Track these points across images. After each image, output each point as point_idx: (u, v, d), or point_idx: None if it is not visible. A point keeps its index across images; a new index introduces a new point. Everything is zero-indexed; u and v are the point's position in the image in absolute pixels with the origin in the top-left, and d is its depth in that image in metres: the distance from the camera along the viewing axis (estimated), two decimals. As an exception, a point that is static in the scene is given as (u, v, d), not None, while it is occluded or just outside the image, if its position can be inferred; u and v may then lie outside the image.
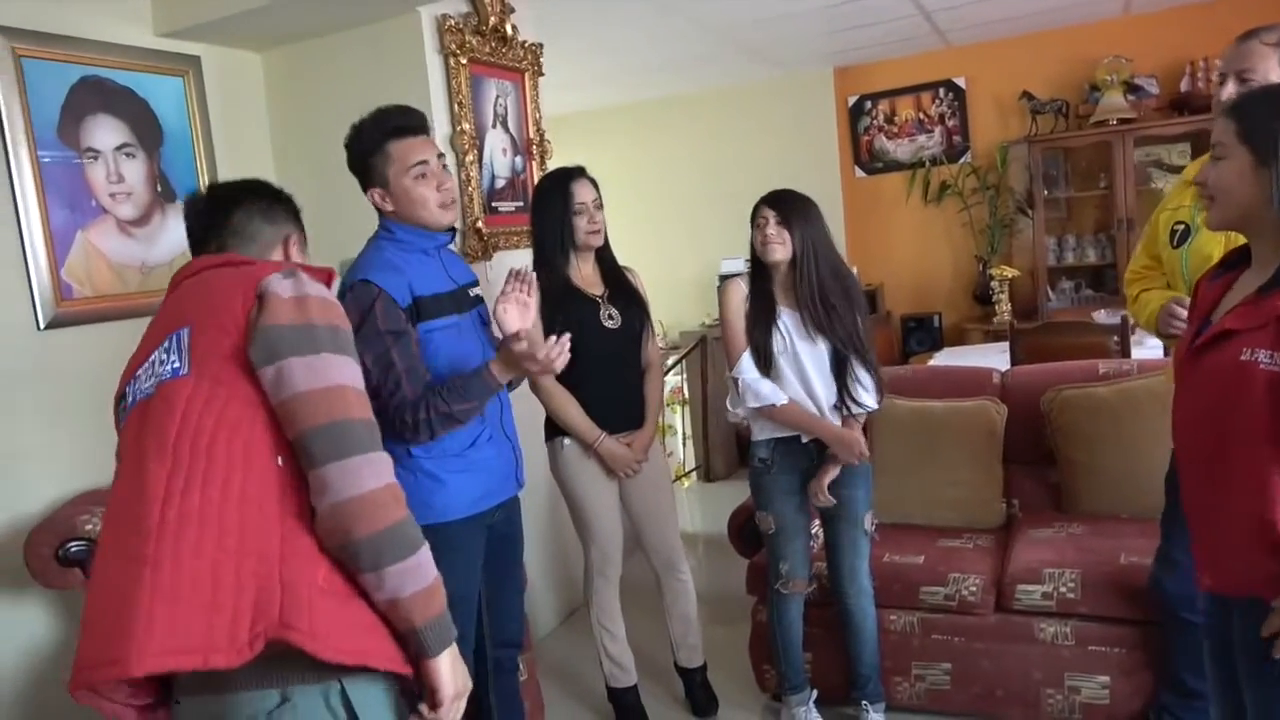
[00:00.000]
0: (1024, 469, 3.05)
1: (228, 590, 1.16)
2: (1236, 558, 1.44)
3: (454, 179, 2.25)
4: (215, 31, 3.06)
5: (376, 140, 2.03)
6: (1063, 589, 2.49)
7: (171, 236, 3.01)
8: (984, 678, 2.58)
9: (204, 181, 3.12)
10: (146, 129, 2.96)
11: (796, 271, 2.44)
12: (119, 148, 2.87)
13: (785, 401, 2.45)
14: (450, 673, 1.29)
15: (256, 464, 1.22)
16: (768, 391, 2.45)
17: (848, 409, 2.48)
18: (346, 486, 1.20)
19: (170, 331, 1.31)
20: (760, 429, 2.54)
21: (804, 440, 2.50)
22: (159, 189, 2.98)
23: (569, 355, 1.98)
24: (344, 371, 1.27)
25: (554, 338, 1.95)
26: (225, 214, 1.51)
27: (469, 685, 1.34)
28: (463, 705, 1.33)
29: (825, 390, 2.47)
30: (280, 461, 1.24)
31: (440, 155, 2.09)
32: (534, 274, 1.99)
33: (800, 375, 2.47)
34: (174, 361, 1.27)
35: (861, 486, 2.53)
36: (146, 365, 1.33)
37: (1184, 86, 5.15)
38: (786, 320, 2.47)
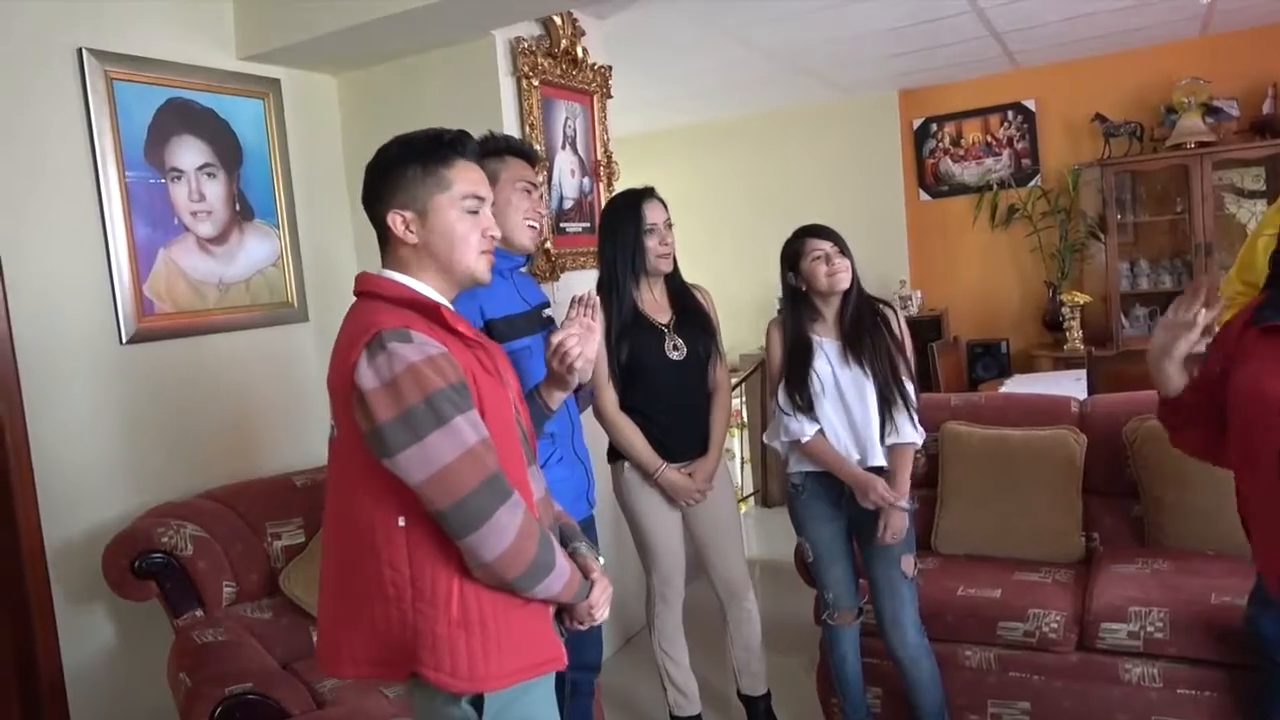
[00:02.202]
0: (1104, 501, 2.95)
1: (380, 628, 1.39)
2: None
3: (545, 210, 2.33)
4: (294, 55, 3.13)
5: (501, 147, 2.14)
6: (1150, 628, 2.39)
7: (249, 254, 3.08)
8: (1065, 718, 2.48)
9: (281, 201, 3.19)
10: (227, 149, 3.03)
11: (845, 301, 2.44)
12: (201, 167, 2.94)
13: (810, 437, 2.44)
14: (600, 600, 1.54)
15: (381, 527, 1.38)
16: (795, 426, 2.45)
17: (884, 440, 2.43)
18: (486, 551, 1.34)
19: (328, 384, 1.46)
20: (795, 460, 2.53)
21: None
22: (237, 208, 3.05)
23: (592, 353, 1.84)
24: (451, 445, 1.33)
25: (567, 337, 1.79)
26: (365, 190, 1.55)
27: (610, 594, 1.57)
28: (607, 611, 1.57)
29: (870, 420, 2.42)
30: (403, 522, 1.37)
31: (542, 184, 2.17)
32: (597, 298, 1.96)
33: (843, 406, 2.44)
34: (331, 420, 1.47)
35: None
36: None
37: (1266, 109, 4.99)
38: (829, 351, 2.45)
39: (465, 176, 1.49)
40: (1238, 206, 5.28)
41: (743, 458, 5.48)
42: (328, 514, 1.50)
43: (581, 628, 1.55)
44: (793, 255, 2.47)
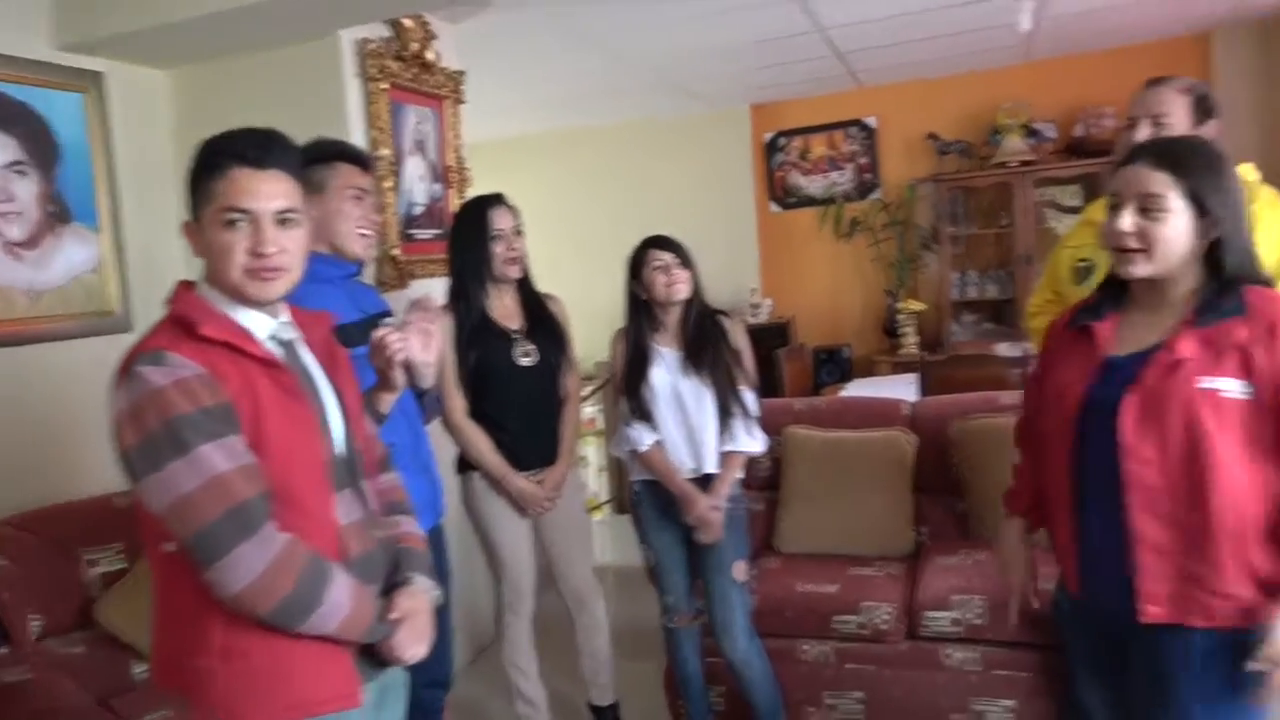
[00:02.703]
0: (932, 497, 3.13)
1: (168, 649, 1.39)
2: (1204, 588, 1.48)
3: (380, 218, 2.29)
4: (120, 46, 2.95)
5: (331, 153, 2.09)
6: (970, 615, 2.56)
7: (66, 259, 2.88)
8: (895, 705, 2.62)
9: (103, 204, 3.00)
10: (41, 146, 2.82)
11: (687, 311, 2.51)
12: (8, 165, 2.72)
13: (648, 446, 2.51)
14: (404, 643, 1.45)
15: (154, 549, 1.37)
16: (634, 435, 2.52)
17: (724, 447, 2.52)
18: (228, 585, 1.29)
19: None
20: (635, 469, 2.60)
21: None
22: (51, 209, 2.84)
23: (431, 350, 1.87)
24: (190, 474, 1.27)
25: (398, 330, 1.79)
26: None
27: (428, 637, 1.48)
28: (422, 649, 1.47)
29: (707, 429, 2.50)
30: (170, 547, 1.33)
31: (374, 195, 2.15)
32: (436, 302, 1.94)
33: (681, 415, 2.51)
34: None
35: (730, 533, 2.51)
36: None
37: (1078, 131, 5.43)
38: (669, 360, 2.51)
39: (234, 189, 1.37)
40: (1058, 221, 5.70)
41: (598, 465, 5.52)
42: (149, 533, 1.45)
43: (394, 666, 1.48)
44: (636, 264, 2.53)
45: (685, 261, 2.51)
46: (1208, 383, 1.46)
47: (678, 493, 2.49)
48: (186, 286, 1.43)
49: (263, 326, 1.43)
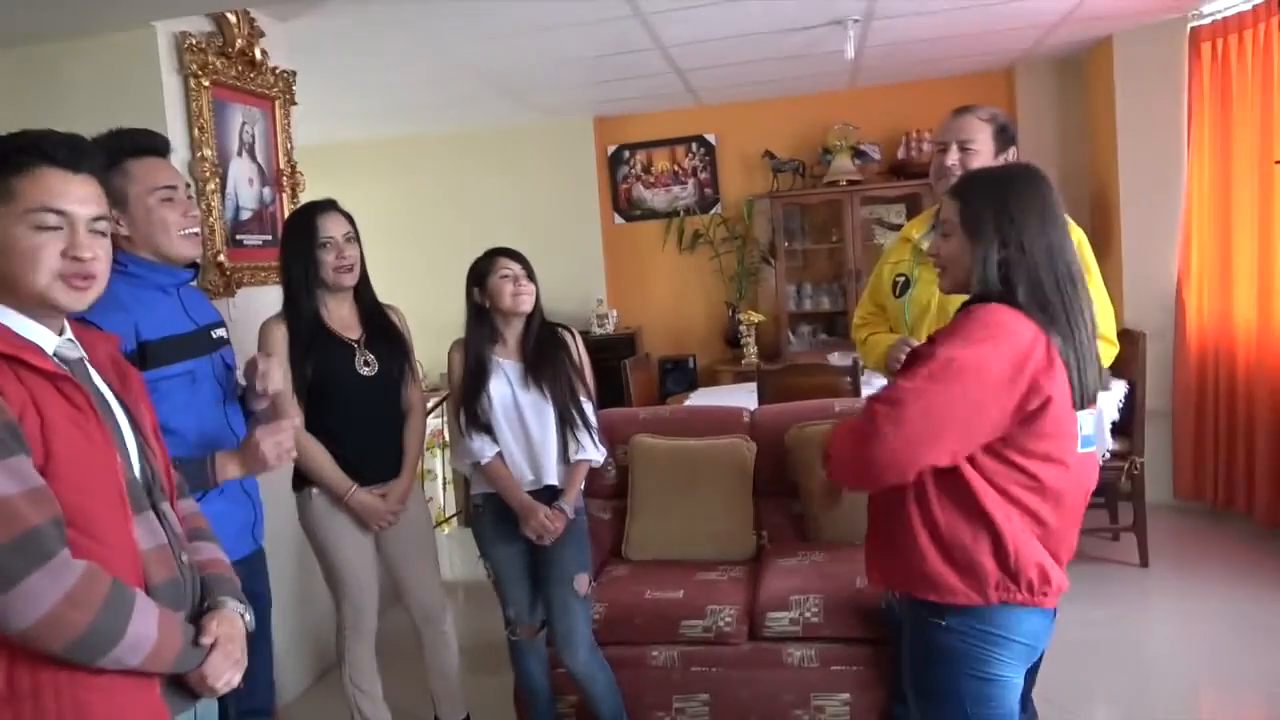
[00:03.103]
0: (772, 501, 3.24)
1: None
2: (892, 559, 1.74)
3: (199, 211, 2.11)
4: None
5: (115, 157, 1.85)
6: (808, 614, 2.66)
7: None
8: (739, 706, 2.69)
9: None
10: None
11: (529, 325, 2.51)
12: None
13: (489, 459, 2.49)
14: (216, 670, 1.35)
15: None
16: (475, 447, 2.50)
17: (568, 458, 2.53)
18: (15, 619, 1.16)
19: None
20: (475, 481, 2.58)
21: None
22: None
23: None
24: None
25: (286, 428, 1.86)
26: None
27: (241, 663, 1.40)
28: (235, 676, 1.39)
29: (548, 442, 2.50)
30: None
31: (187, 185, 1.96)
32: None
33: (521, 428, 2.50)
34: None
35: (570, 545, 2.52)
36: None
37: (901, 154, 5.78)
38: (510, 372, 2.50)
39: (33, 187, 1.27)
40: (885, 238, 6.04)
41: (444, 478, 5.40)
42: None
43: (206, 697, 1.38)
44: (480, 273, 2.49)
45: (531, 275, 2.50)
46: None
47: (516, 506, 2.47)
48: None
49: (47, 342, 1.31)
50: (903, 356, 2.14)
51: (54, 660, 1.20)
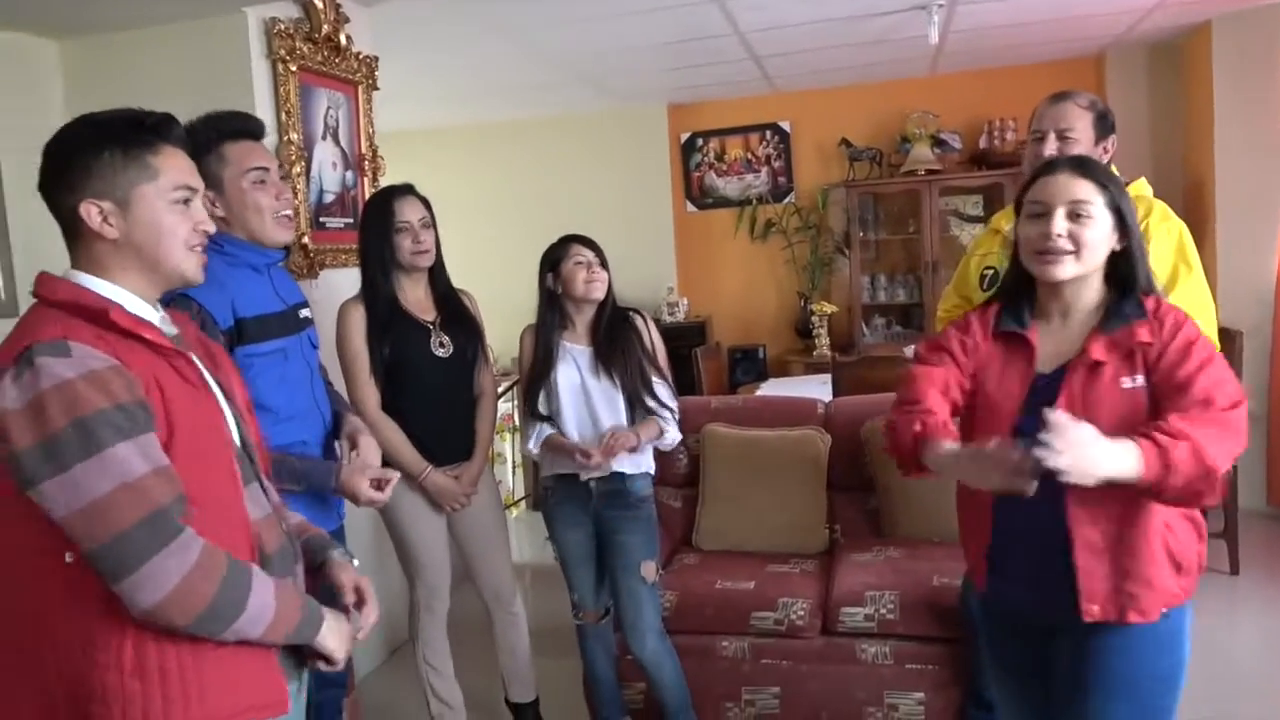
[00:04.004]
0: (845, 495, 3.19)
1: (50, 686, 1.21)
2: (1138, 583, 1.54)
3: (292, 194, 2.14)
4: (5, 13, 2.76)
5: (211, 140, 1.89)
6: (883, 610, 2.61)
7: (-58, 238, 2.68)
8: (811, 700, 2.66)
9: (-15, 178, 2.81)
10: (-85, 116, 2.62)
11: (600, 312, 2.49)
12: (-121, 135, 2.52)
13: (536, 451, 2.53)
14: (335, 639, 1.39)
15: (40, 563, 1.20)
16: (538, 430, 2.52)
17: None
18: (143, 598, 1.18)
19: None
20: (547, 465, 2.57)
21: (583, 478, 2.49)
22: (-72, 184, 2.65)
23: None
24: (104, 476, 1.16)
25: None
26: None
27: (354, 636, 1.44)
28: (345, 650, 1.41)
29: (614, 424, 2.48)
30: (70, 558, 1.19)
31: (281, 166, 1.98)
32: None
33: (589, 413, 2.48)
34: None
35: (639, 532, 2.50)
36: None
37: (983, 143, 5.62)
38: (580, 359, 2.49)
39: (174, 165, 1.33)
40: (960, 230, 5.90)
41: (514, 462, 5.45)
42: None
43: (325, 668, 1.40)
44: (554, 259, 2.49)
45: (604, 263, 2.49)
46: (1128, 383, 1.54)
47: (575, 450, 2.43)
48: (55, 276, 1.31)
49: (154, 319, 1.34)
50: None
51: (179, 636, 1.22)
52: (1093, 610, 1.55)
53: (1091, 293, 1.63)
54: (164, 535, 1.18)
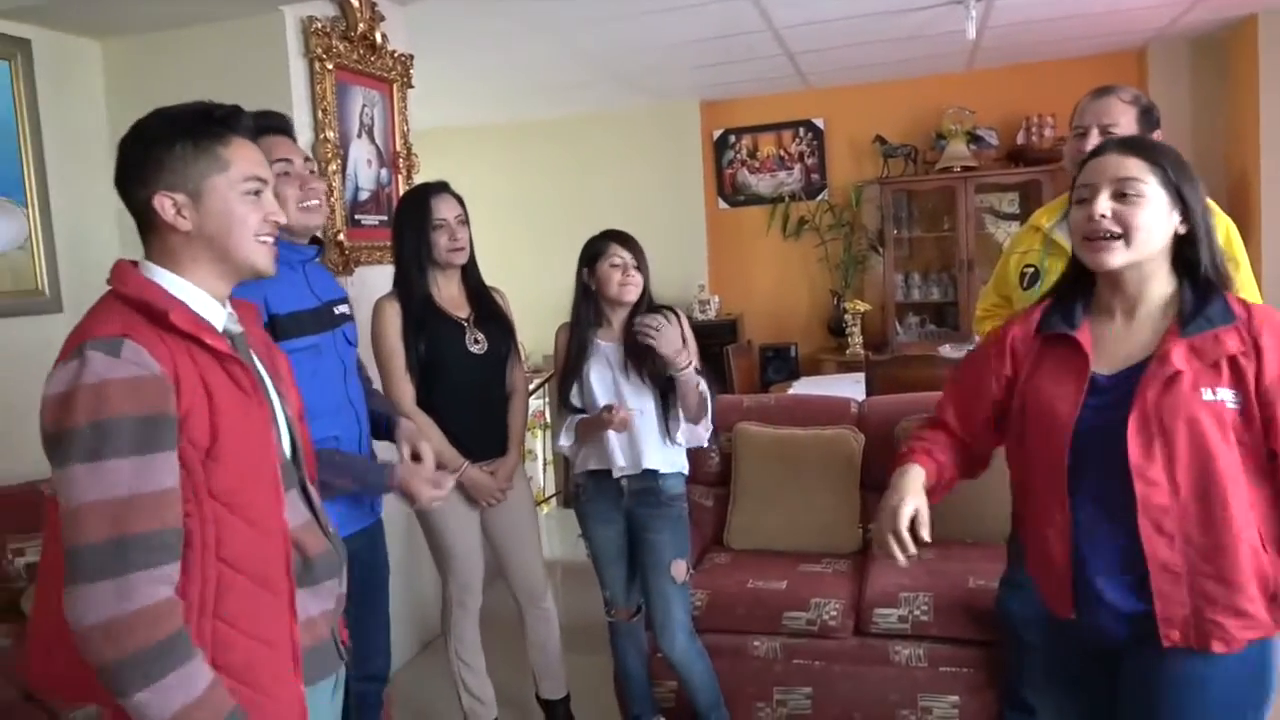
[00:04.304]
0: (879, 495, 3.11)
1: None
2: (1222, 609, 1.41)
3: (323, 184, 2.14)
4: (49, 13, 2.81)
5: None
6: (917, 612, 2.58)
7: (-11, 235, 2.73)
8: (843, 701, 2.63)
9: (30, 177, 2.85)
10: (-38, 115, 2.68)
11: (635, 311, 2.48)
12: (-72, 134, 2.58)
13: (566, 446, 2.53)
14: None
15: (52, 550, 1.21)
16: (564, 428, 2.52)
17: (671, 441, 2.48)
18: (80, 615, 1.14)
19: None
20: (579, 461, 2.55)
21: (615, 475, 2.48)
22: (-25, 182, 2.70)
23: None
24: (89, 486, 1.15)
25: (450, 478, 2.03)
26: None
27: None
28: None
29: (649, 429, 2.46)
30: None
31: (308, 159, 2.00)
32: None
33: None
34: None
35: (670, 531, 2.48)
36: None
37: (1020, 139, 5.54)
38: (612, 357, 2.48)
39: (244, 156, 1.33)
40: (995, 227, 5.84)
41: (545, 459, 5.47)
42: (52, 522, 1.26)
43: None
44: (591, 255, 2.48)
45: (641, 264, 2.47)
46: (1209, 395, 1.40)
47: (598, 418, 2.40)
48: (132, 265, 1.32)
49: (218, 318, 1.34)
50: None
51: (231, 643, 1.24)
52: (1172, 636, 1.43)
53: (1159, 285, 1.48)
54: (124, 565, 1.15)
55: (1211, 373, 1.41)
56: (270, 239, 1.37)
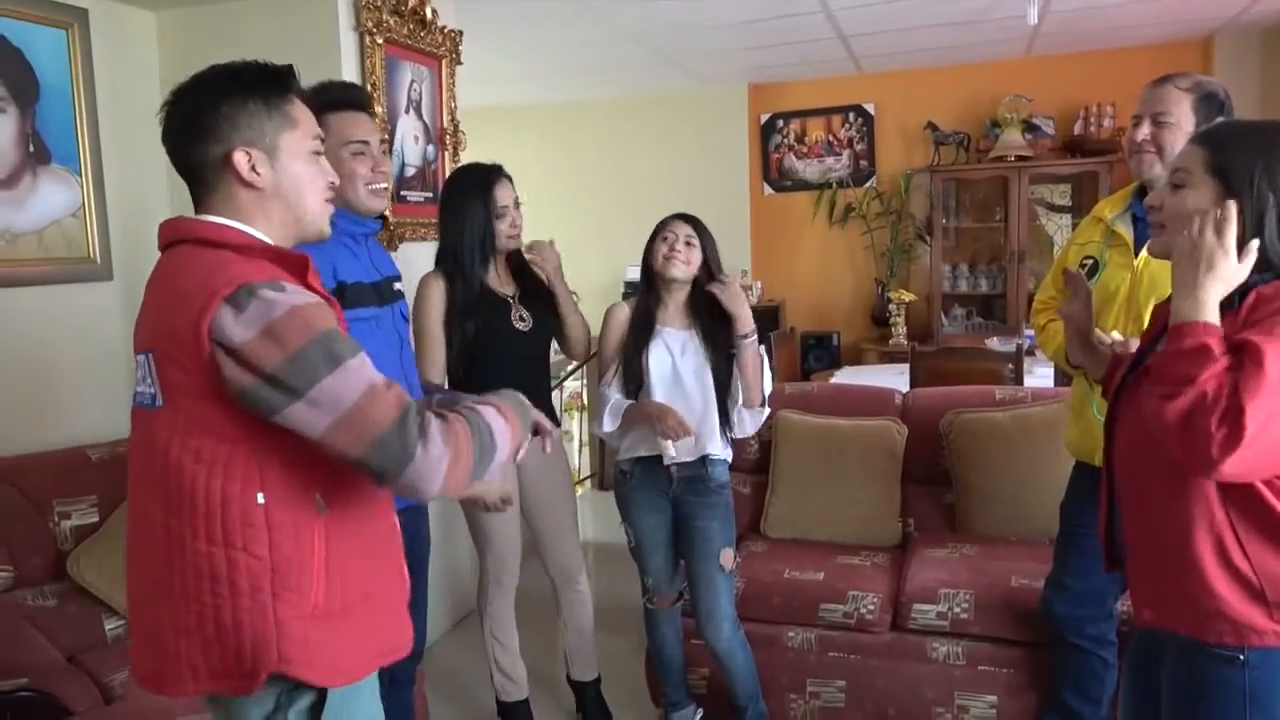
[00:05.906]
0: (921, 489, 3.11)
1: (229, 630, 1.22)
2: (1180, 599, 1.38)
3: (391, 167, 2.15)
4: (106, -16, 2.83)
5: (315, 110, 1.92)
6: (956, 609, 2.53)
7: (43, 202, 2.77)
8: (877, 696, 2.60)
9: (85, 146, 2.89)
10: (20, 83, 2.71)
11: (694, 291, 2.43)
12: (-13, 100, 2.61)
13: (609, 429, 2.45)
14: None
15: (235, 507, 1.21)
16: (612, 403, 2.45)
17: (730, 427, 2.44)
18: (428, 485, 1.23)
19: (143, 346, 1.27)
20: (625, 448, 2.50)
21: (665, 462, 2.43)
22: (31, 149, 2.73)
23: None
24: (350, 386, 1.20)
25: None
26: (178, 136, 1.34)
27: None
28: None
29: (709, 411, 2.41)
30: (261, 500, 1.22)
31: (383, 141, 2.00)
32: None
33: (681, 396, 2.41)
34: (150, 386, 1.25)
35: (717, 519, 2.45)
36: (140, 360, 1.28)
37: (1077, 129, 5.40)
38: (670, 340, 2.44)
39: (308, 116, 1.35)
40: (1047, 219, 5.71)
41: (581, 440, 5.47)
42: (139, 499, 1.28)
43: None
44: (652, 233, 2.45)
45: (695, 241, 2.41)
46: None
47: (653, 411, 2.34)
48: (208, 220, 1.30)
49: None
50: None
51: (358, 579, 1.30)
52: (1144, 615, 1.44)
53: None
54: (422, 426, 1.22)
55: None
56: (331, 202, 1.39)
